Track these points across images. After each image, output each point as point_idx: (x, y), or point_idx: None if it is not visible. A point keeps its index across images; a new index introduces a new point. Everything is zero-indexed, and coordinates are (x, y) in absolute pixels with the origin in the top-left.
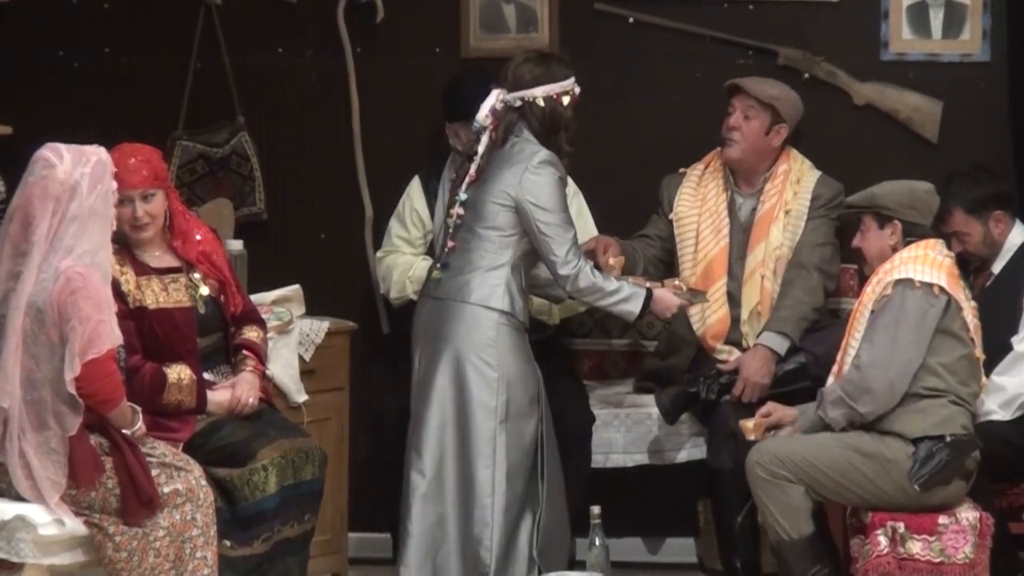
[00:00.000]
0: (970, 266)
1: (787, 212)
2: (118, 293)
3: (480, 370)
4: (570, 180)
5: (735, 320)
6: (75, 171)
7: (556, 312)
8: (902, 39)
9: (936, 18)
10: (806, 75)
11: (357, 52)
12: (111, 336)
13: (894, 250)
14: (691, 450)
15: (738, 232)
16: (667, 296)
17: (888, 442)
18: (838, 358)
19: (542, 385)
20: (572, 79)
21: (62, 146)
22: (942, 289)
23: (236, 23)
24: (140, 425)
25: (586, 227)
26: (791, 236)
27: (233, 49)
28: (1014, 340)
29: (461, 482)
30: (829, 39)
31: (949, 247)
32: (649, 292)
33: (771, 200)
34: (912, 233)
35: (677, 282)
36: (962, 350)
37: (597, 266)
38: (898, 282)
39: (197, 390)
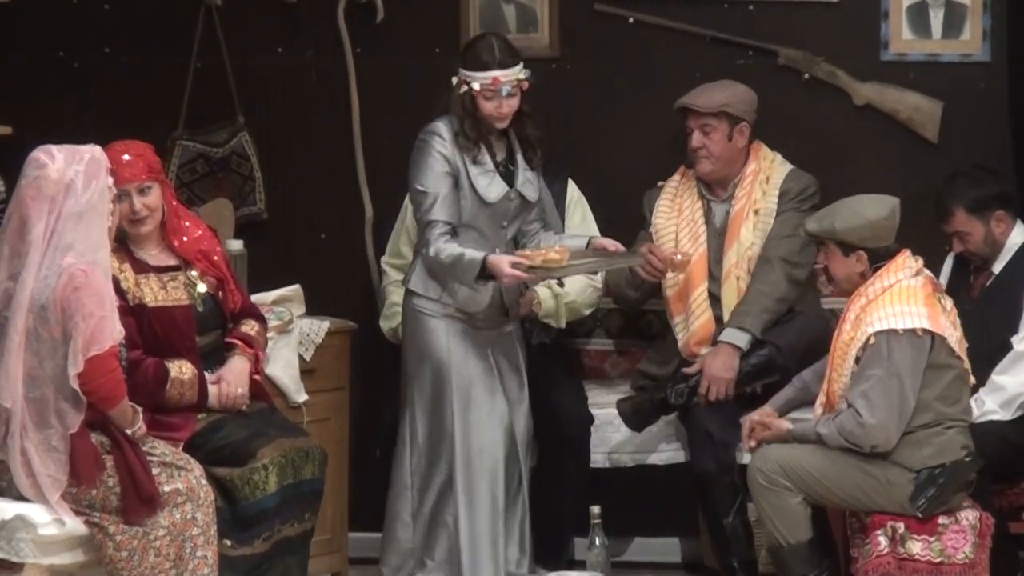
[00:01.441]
0: (971, 266)
1: (756, 212)
2: (118, 290)
3: (401, 353)
4: (573, 186)
5: (721, 322)
6: (68, 169)
7: (564, 315)
8: (902, 39)
9: (936, 18)
10: (806, 75)
11: (357, 52)
12: (113, 333)
13: (862, 276)
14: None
15: (715, 237)
16: (499, 265)
17: (892, 466)
18: (824, 388)
19: (459, 375)
20: (473, 73)
21: (54, 147)
22: (925, 330)
23: (236, 23)
24: (141, 425)
25: (589, 231)
26: (762, 235)
27: (233, 49)
28: (1014, 340)
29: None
30: (829, 39)
31: (950, 246)
32: (484, 260)
33: (740, 202)
34: (881, 255)
35: (553, 254)
36: (951, 373)
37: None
38: (879, 333)
39: (199, 385)
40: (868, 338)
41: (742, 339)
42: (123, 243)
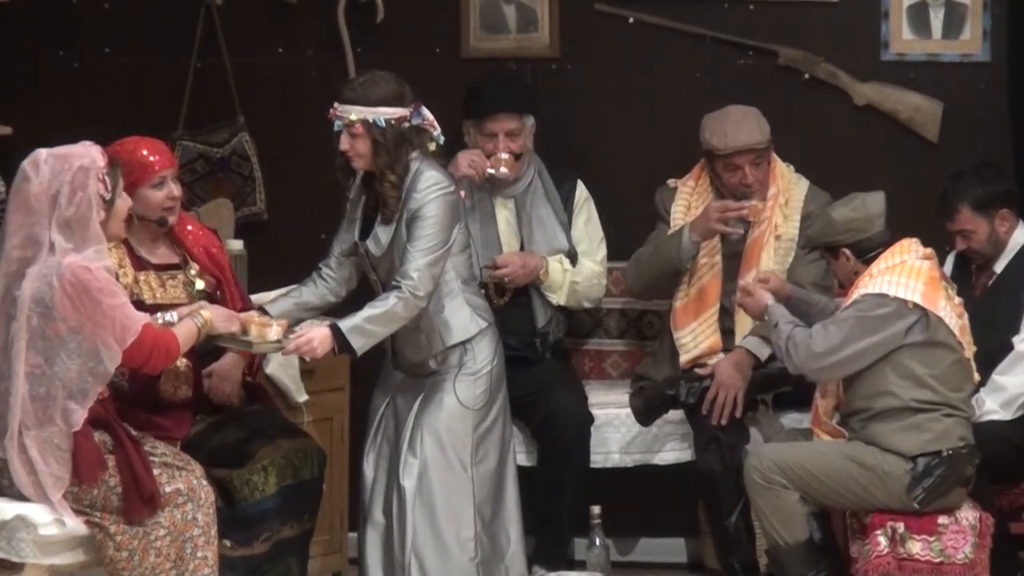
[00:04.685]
0: (972, 265)
1: (777, 237)
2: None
3: None
4: (581, 187)
5: (728, 337)
6: (54, 181)
7: (566, 293)
8: (902, 39)
9: (936, 18)
10: (806, 75)
11: (357, 52)
12: (137, 315)
13: (856, 273)
14: (691, 450)
15: (730, 256)
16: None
17: (887, 457)
18: None
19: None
20: None
21: (44, 154)
22: (916, 305)
23: (236, 23)
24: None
25: (593, 233)
26: (782, 261)
27: (233, 49)
28: (1015, 340)
29: None
30: (829, 39)
31: (952, 245)
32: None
33: (760, 226)
34: (865, 247)
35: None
36: (952, 356)
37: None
38: (868, 293)
39: (194, 377)
40: (858, 297)
41: (763, 351)
42: (124, 240)
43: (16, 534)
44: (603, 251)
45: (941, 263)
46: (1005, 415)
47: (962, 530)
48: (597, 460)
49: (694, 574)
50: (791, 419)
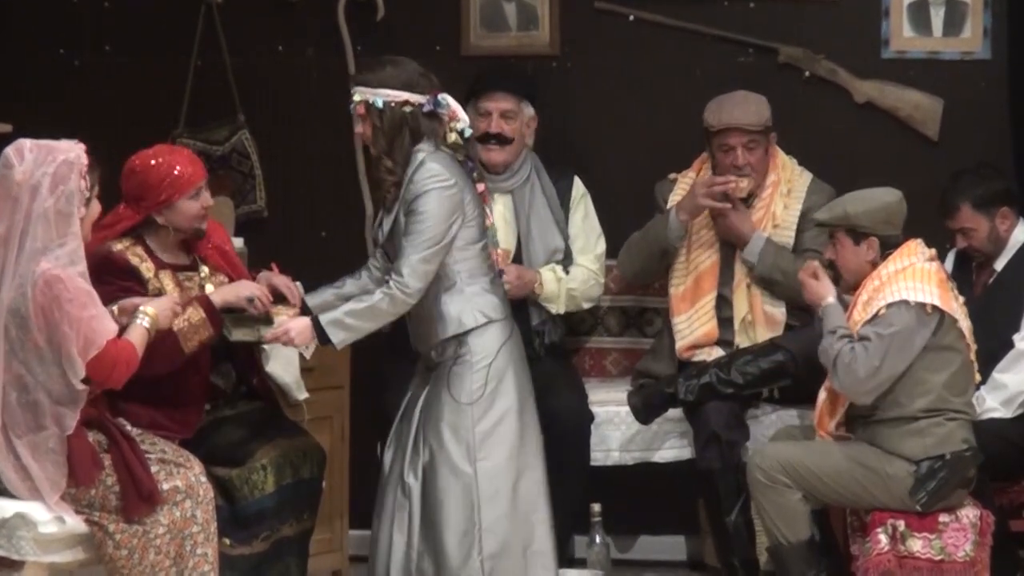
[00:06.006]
0: (972, 263)
1: (775, 226)
2: (138, 279)
3: None
4: (578, 183)
5: (726, 327)
6: (36, 171)
7: (564, 301)
8: (903, 37)
9: (937, 16)
10: (807, 73)
11: (357, 50)
12: (106, 329)
13: (872, 265)
14: (690, 448)
15: (728, 244)
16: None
17: (890, 459)
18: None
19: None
20: None
21: (29, 143)
22: (935, 307)
23: (236, 21)
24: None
25: (591, 229)
26: None
27: (233, 47)
28: (1016, 338)
29: None
30: (830, 37)
31: (952, 243)
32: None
33: (759, 213)
34: (887, 244)
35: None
36: (958, 360)
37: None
38: (891, 305)
39: (208, 317)
40: (879, 310)
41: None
42: (140, 239)
43: (16, 532)
44: (601, 247)
45: (941, 261)
46: (1006, 413)
47: (963, 528)
48: (597, 458)
49: (694, 572)
50: (792, 415)
